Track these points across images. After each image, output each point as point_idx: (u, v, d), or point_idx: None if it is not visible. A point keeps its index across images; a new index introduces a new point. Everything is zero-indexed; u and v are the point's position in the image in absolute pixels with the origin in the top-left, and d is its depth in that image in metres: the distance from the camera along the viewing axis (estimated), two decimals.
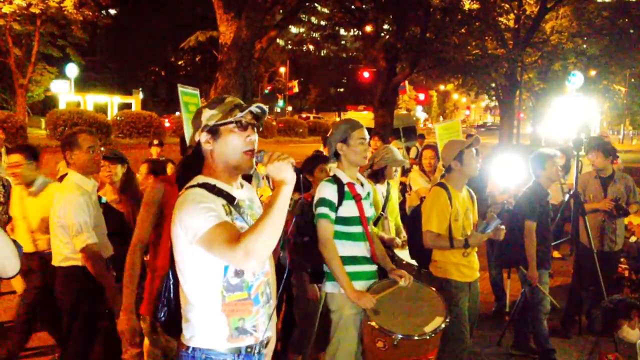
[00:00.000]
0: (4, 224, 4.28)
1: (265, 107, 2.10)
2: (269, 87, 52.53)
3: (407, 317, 3.04)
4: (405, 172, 7.41)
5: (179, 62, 46.28)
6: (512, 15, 22.10)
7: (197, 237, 1.87)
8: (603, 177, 5.49)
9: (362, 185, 3.30)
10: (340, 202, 3.16)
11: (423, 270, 3.89)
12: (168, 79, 43.47)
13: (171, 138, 24.21)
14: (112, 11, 36.62)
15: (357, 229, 3.21)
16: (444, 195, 3.67)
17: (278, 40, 33.12)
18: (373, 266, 3.26)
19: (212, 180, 2.03)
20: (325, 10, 20.43)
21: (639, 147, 48.02)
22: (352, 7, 18.25)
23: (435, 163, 5.93)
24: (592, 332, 5.23)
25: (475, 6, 18.03)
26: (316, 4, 19.11)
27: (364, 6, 18.03)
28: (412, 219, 4.04)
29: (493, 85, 26.02)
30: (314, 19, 23.15)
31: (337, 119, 33.41)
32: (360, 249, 3.22)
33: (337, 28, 22.22)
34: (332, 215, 3.13)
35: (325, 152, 5.71)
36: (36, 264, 3.94)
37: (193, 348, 1.99)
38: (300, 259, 3.64)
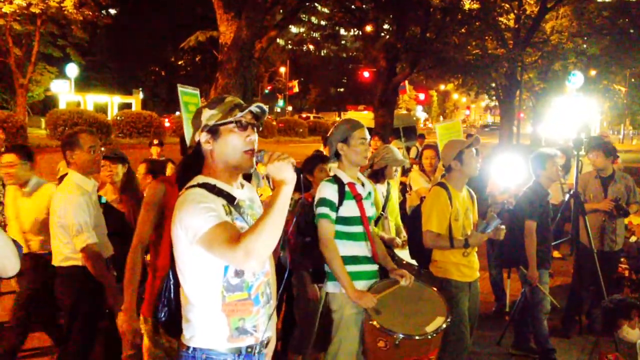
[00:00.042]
0: (4, 225, 4.28)
1: (265, 107, 2.10)
2: (269, 87, 52.54)
3: (409, 316, 3.05)
4: (405, 172, 7.40)
5: (179, 62, 46.26)
6: (512, 15, 22.09)
7: (197, 237, 1.87)
8: (603, 177, 5.49)
9: (363, 185, 3.30)
10: (340, 202, 3.16)
11: (423, 270, 3.89)
12: (168, 78, 43.47)
13: (171, 138, 24.20)
14: (112, 11, 36.64)
15: (358, 228, 3.21)
16: (444, 195, 3.67)
17: (278, 40, 33.14)
18: (374, 266, 3.26)
19: (212, 180, 2.03)
20: (326, 10, 20.42)
21: (639, 147, 48.03)
22: (352, 7, 18.25)
23: (436, 163, 5.93)
24: (593, 332, 5.23)
25: (476, 6, 18.02)
26: (316, 4, 19.11)
27: (364, 6, 18.02)
28: (412, 219, 4.04)
29: (493, 85, 26.01)
30: (314, 19, 23.16)
31: (337, 119, 33.38)
32: (361, 248, 3.22)
33: (337, 28, 22.21)
34: (333, 215, 3.14)
35: (325, 152, 5.71)
36: (28, 265, 3.92)
37: (193, 348, 1.99)
38: (302, 259, 3.64)
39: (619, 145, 31.99)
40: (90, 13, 25.30)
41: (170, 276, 2.12)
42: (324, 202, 3.14)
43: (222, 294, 1.96)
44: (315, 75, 54.23)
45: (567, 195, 5.63)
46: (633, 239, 6.38)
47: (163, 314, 2.15)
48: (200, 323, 1.99)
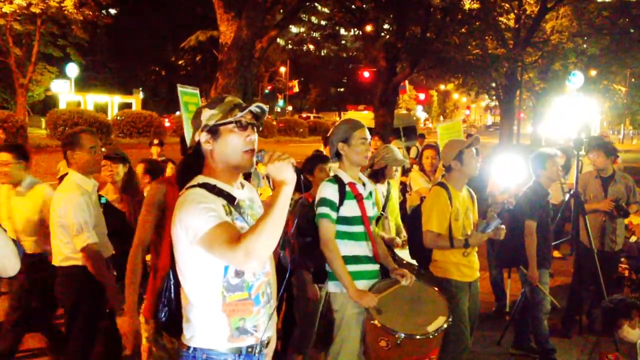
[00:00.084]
0: None
1: (265, 107, 2.10)
2: (269, 87, 52.55)
3: (410, 316, 3.05)
4: (405, 171, 7.40)
5: (180, 62, 46.20)
6: (512, 15, 22.08)
7: (197, 238, 1.87)
8: (604, 177, 5.49)
9: (364, 185, 3.30)
10: (341, 202, 3.16)
11: (423, 270, 3.89)
12: (168, 78, 43.44)
13: (171, 138, 24.19)
14: (113, 11, 36.62)
15: (359, 228, 3.21)
16: (444, 195, 3.67)
17: (278, 40, 33.14)
18: (375, 265, 3.27)
19: (212, 181, 2.03)
20: (326, 10, 20.42)
21: (639, 147, 48.02)
22: (353, 6, 18.25)
23: (436, 163, 5.93)
24: (593, 332, 5.23)
25: (476, 6, 18.00)
26: (316, 4, 19.11)
27: (364, 6, 18.01)
28: (412, 219, 4.04)
29: (493, 85, 26.01)
30: (314, 19, 23.17)
31: (338, 119, 33.39)
32: (362, 248, 3.23)
33: (337, 28, 22.22)
34: (334, 215, 3.14)
35: (325, 152, 5.71)
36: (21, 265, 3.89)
37: (194, 348, 1.99)
38: (303, 258, 3.65)
39: (619, 145, 31.96)
40: (91, 13, 25.29)
41: (171, 276, 2.12)
42: (324, 202, 3.15)
43: (223, 294, 1.96)
44: (315, 75, 54.20)
45: (567, 195, 5.63)
46: (633, 239, 6.38)
47: (163, 314, 2.15)
48: (200, 323, 1.99)
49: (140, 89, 40.43)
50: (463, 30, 17.99)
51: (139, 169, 5.12)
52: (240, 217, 2.01)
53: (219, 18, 10.91)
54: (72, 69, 28.80)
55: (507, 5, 19.88)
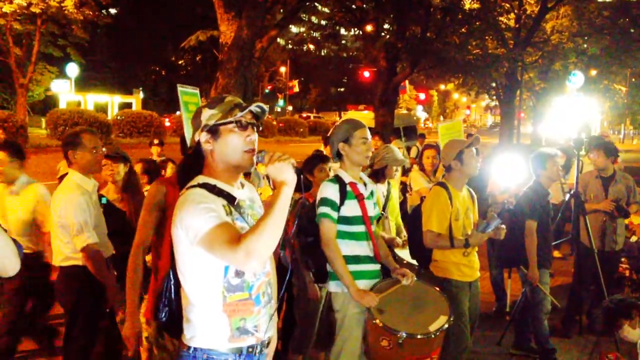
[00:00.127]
0: None
1: (265, 107, 2.10)
2: (269, 87, 52.54)
3: (411, 316, 3.05)
4: (405, 171, 7.40)
5: (180, 62, 46.29)
6: (512, 15, 22.06)
7: (197, 238, 1.86)
8: (604, 177, 5.48)
9: (365, 185, 3.30)
10: (342, 202, 3.16)
11: (423, 270, 3.89)
12: (168, 78, 43.47)
13: (172, 137, 24.20)
14: (113, 11, 36.66)
15: (360, 228, 3.21)
16: (444, 195, 3.67)
17: (278, 39, 33.13)
18: (376, 265, 3.27)
19: (212, 181, 2.02)
20: (326, 10, 20.39)
21: (639, 147, 48.00)
22: (353, 6, 18.23)
23: (437, 162, 5.93)
24: (593, 332, 5.22)
25: (476, 6, 17.99)
26: (316, 4, 19.08)
27: (364, 6, 18.00)
28: (412, 219, 4.03)
29: (493, 84, 25.98)
30: (314, 19, 23.14)
31: (338, 119, 33.40)
32: (363, 248, 3.23)
33: (337, 27, 22.20)
34: (334, 214, 3.14)
35: (325, 152, 5.71)
36: None
37: (194, 348, 1.99)
38: (304, 258, 3.65)
39: (619, 145, 31.94)
40: (91, 13, 25.28)
41: (171, 276, 2.12)
42: (325, 201, 3.15)
43: (223, 294, 1.96)
44: (315, 74, 54.21)
45: (568, 195, 5.63)
46: (634, 238, 6.39)
47: (164, 314, 2.14)
48: (201, 323, 1.99)
49: (141, 88, 40.42)
50: (463, 30, 17.98)
51: (137, 168, 5.11)
52: (240, 217, 2.01)
53: (219, 18, 10.91)
54: (72, 69, 28.79)
55: (508, 5, 19.88)
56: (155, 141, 8.39)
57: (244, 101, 2.10)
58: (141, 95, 39.81)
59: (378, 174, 4.48)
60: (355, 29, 20.86)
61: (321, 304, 3.97)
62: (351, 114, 24.63)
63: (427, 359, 3.00)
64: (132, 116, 26.32)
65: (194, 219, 1.87)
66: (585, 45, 24.71)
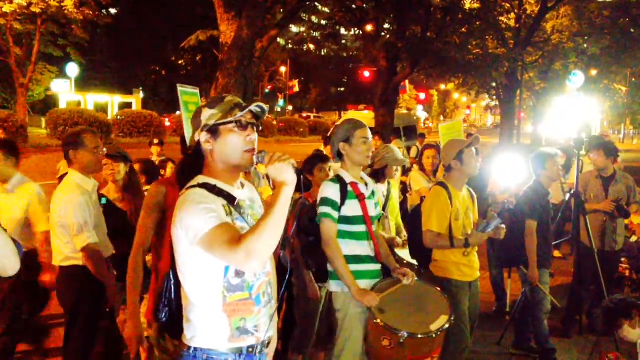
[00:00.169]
0: None
1: (265, 106, 2.09)
2: (269, 87, 52.54)
3: (412, 315, 3.06)
4: (405, 171, 7.40)
5: (180, 62, 46.27)
6: (512, 15, 22.05)
7: (197, 238, 1.86)
8: (604, 177, 5.48)
9: (366, 184, 3.30)
10: (343, 202, 3.17)
11: (423, 270, 3.89)
12: (169, 78, 43.46)
13: (172, 137, 24.21)
14: (113, 10, 36.66)
15: (361, 228, 3.22)
16: (444, 195, 3.67)
17: (279, 39, 33.10)
18: (377, 265, 3.27)
19: (212, 181, 2.02)
20: (326, 10, 20.39)
21: (639, 147, 47.99)
22: (353, 6, 18.23)
23: (437, 162, 5.92)
24: (593, 332, 5.22)
25: (476, 5, 17.98)
26: (317, 3, 19.08)
27: (364, 5, 17.99)
28: (412, 219, 4.03)
29: (494, 84, 25.95)
30: (314, 18, 23.14)
31: (338, 119, 33.40)
32: (364, 248, 3.23)
33: (337, 27, 22.20)
34: (335, 214, 3.14)
35: (325, 152, 5.71)
36: None
37: (194, 348, 1.99)
38: (305, 258, 3.65)
39: (619, 145, 31.93)
40: (91, 12, 25.29)
41: (171, 276, 2.12)
42: (326, 201, 3.15)
43: (223, 294, 1.96)
44: (315, 74, 54.19)
45: (568, 195, 5.63)
46: (634, 238, 6.38)
47: (164, 314, 2.14)
48: (201, 323, 1.99)
49: (141, 88, 40.43)
50: (463, 30, 17.97)
51: (135, 168, 5.10)
52: (240, 217, 2.01)
53: (219, 18, 10.91)
54: (73, 69, 28.80)
55: (508, 5, 19.87)
56: (155, 141, 8.39)
57: (244, 101, 2.10)
58: (141, 95, 39.82)
59: (378, 174, 4.48)
60: (356, 29, 20.87)
61: (321, 304, 3.97)
62: (351, 114, 24.66)
63: (427, 358, 3.01)
64: (132, 116, 26.32)
65: (194, 219, 1.87)
66: (585, 45, 24.70)
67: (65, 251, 3.34)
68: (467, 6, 18.03)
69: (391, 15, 17.87)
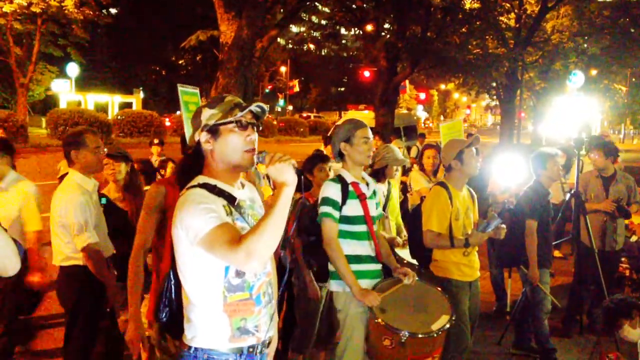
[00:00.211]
0: None
1: (265, 106, 2.09)
2: (269, 87, 52.53)
3: (414, 315, 3.06)
4: (406, 171, 7.40)
5: (180, 62, 46.28)
6: (512, 15, 22.05)
7: (198, 238, 1.86)
8: (605, 177, 5.48)
9: (367, 184, 3.31)
10: (344, 201, 3.17)
11: (423, 270, 3.89)
12: (169, 78, 43.46)
13: (172, 137, 24.20)
14: (113, 10, 36.67)
15: (362, 228, 3.22)
16: (444, 195, 3.67)
17: (279, 39, 33.10)
18: (378, 265, 3.27)
19: (212, 181, 2.02)
20: (326, 10, 20.39)
21: (639, 147, 47.99)
22: (353, 6, 18.23)
23: (437, 162, 5.92)
24: (593, 332, 5.22)
25: (476, 5, 17.99)
26: (317, 3, 19.08)
27: (364, 5, 17.99)
28: (412, 218, 4.04)
29: (494, 84, 25.93)
30: (314, 18, 23.13)
31: (338, 118, 33.38)
32: (364, 247, 3.23)
33: (337, 27, 22.19)
34: (336, 214, 3.14)
35: (326, 151, 5.71)
36: None
37: (195, 348, 1.99)
38: (307, 258, 3.65)
39: (619, 145, 31.90)
40: (91, 12, 25.31)
41: (171, 276, 2.12)
42: (327, 201, 3.16)
43: (224, 294, 1.96)
44: (315, 74, 54.22)
45: (568, 195, 5.63)
46: (634, 238, 6.38)
47: (164, 314, 2.14)
48: (201, 323, 1.99)
49: (141, 88, 40.41)
50: (463, 29, 17.98)
51: None
52: (240, 217, 2.01)
53: (219, 18, 10.90)
54: (73, 69, 28.78)
55: (508, 4, 19.87)
56: (156, 141, 8.38)
57: (244, 101, 2.10)
58: (141, 95, 39.80)
59: (378, 174, 4.48)
60: (356, 29, 20.86)
61: (321, 304, 3.97)
62: (351, 114, 24.63)
63: (428, 358, 3.01)
64: (132, 116, 26.31)
65: (194, 220, 1.87)
66: (585, 45, 24.70)
67: (66, 251, 3.34)
68: (467, 6, 18.03)
69: (391, 15, 17.87)
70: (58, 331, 4.47)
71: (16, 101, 26.18)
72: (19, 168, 4.19)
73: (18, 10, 22.68)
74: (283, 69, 51.36)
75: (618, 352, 4.33)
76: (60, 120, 22.67)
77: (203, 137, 2.04)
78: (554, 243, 5.05)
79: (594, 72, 27.71)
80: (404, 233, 4.68)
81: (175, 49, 35.32)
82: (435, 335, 2.94)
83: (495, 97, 29.88)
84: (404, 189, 6.48)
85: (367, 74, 26.87)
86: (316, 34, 23.66)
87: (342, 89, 61.53)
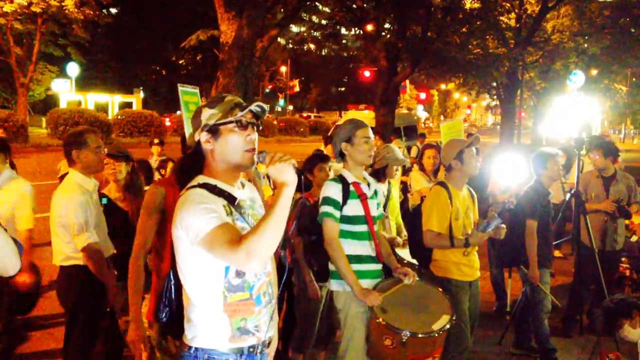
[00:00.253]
0: None
1: (265, 106, 2.09)
2: (270, 86, 52.55)
3: (414, 315, 3.06)
4: (406, 171, 7.40)
5: (180, 61, 46.29)
6: (513, 15, 22.04)
7: (198, 239, 1.86)
8: (605, 177, 5.48)
9: (368, 184, 3.31)
10: (345, 201, 3.17)
11: (423, 270, 3.89)
12: (169, 77, 43.45)
13: (172, 137, 24.22)
14: (113, 10, 36.66)
15: (362, 227, 3.22)
16: (444, 194, 3.67)
17: (279, 39, 33.11)
18: (378, 265, 3.28)
19: (212, 181, 2.02)
20: (326, 9, 20.38)
21: (639, 147, 48.04)
22: (353, 6, 18.22)
23: (437, 162, 5.92)
24: (593, 332, 5.22)
25: (477, 5, 17.99)
26: (317, 3, 19.07)
27: (365, 5, 17.99)
28: (412, 218, 4.04)
29: (494, 84, 25.94)
30: (315, 18, 23.11)
31: (338, 118, 33.39)
32: (365, 247, 3.23)
33: (338, 27, 22.16)
34: (337, 214, 3.15)
35: (326, 151, 5.71)
36: None
37: (195, 348, 1.99)
38: (307, 257, 3.65)
39: (620, 145, 31.89)
40: (91, 12, 25.33)
41: (171, 276, 2.12)
42: (327, 201, 3.16)
43: (224, 294, 1.96)
44: (316, 74, 54.24)
45: (568, 195, 5.63)
46: (634, 238, 6.38)
47: (164, 314, 2.14)
48: (202, 323, 1.99)
49: (141, 88, 40.38)
50: (464, 29, 17.96)
51: None
52: (241, 217, 2.01)
53: (219, 17, 10.90)
54: (73, 69, 28.80)
55: (508, 4, 19.87)
56: (156, 141, 8.38)
57: (245, 101, 2.10)
58: (141, 94, 39.77)
59: (379, 174, 4.48)
60: (356, 29, 20.84)
61: (322, 304, 3.97)
62: (352, 114, 24.62)
63: (429, 358, 3.01)
64: (132, 116, 26.32)
65: (195, 220, 1.87)
66: (585, 45, 24.70)
67: (66, 251, 3.34)
68: (468, 6, 18.03)
69: (391, 15, 17.86)
70: (58, 331, 4.46)
71: (16, 101, 26.19)
72: (19, 168, 4.18)
73: (18, 10, 22.70)
74: (283, 68, 51.38)
75: (618, 352, 4.33)
76: (60, 120, 22.70)
77: (203, 136, 2.04)
78: (554, 243, 5.05)
79: (594, 72, 27.72)
80: (404, 233, 4.68)
81: (176, 48, 35.30)
82: (436, 335, 2.94)
83: (495, 97, 29.86)
84: (404, 188, 6.48)
85: (367, 73, 26.89)
86: (316, 33, 23.63)
87: (343, 88, 61.53)
